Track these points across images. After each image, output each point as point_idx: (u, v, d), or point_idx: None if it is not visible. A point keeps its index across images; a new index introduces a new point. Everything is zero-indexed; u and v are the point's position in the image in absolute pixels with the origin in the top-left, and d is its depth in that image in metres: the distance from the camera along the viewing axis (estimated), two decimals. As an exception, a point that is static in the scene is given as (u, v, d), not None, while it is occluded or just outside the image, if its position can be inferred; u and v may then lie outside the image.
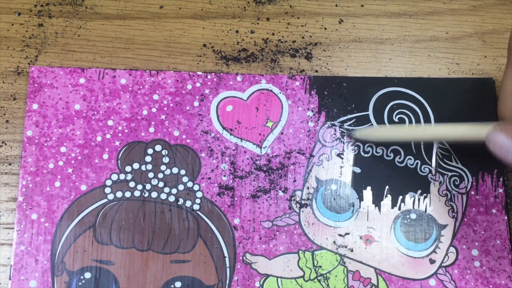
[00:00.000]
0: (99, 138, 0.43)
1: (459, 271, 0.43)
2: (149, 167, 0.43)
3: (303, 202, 0.44)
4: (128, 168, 0.43)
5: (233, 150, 0.44)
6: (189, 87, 0.45)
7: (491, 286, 0.43)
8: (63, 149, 0.43)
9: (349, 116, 0.45)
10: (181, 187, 0.43)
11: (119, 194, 0.43)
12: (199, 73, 0.45)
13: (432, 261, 0.43)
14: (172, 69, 0.46)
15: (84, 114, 0.44)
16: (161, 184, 0.43)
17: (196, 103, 0.45)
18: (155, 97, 0.45)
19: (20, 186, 0.42)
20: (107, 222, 0.42)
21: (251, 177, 0.44)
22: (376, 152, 0.45)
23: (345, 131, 0.45)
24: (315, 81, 0.46)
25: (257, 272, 0.42)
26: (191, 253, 0.42)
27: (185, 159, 0.44)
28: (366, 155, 0.45)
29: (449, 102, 0.46)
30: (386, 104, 0.46)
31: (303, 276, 0.42)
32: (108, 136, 0.44)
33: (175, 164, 0.43)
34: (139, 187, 0.43)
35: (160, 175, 0.43)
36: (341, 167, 0.44)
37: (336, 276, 0.42)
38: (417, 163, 0.45)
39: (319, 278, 0.42)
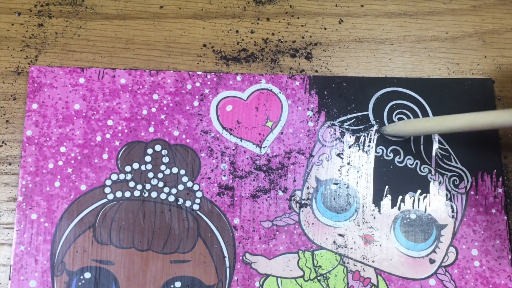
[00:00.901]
0: (98, 138, 0.43)
1: (458, 271, 0.43)
2: (149, 167, 0.43)
3: (303, 202, 0.44)
4: (128, 168, 0.43)
5: (233, 150, 0.44)
6: (189, 87, 0.45)
7: (490, 286, 0.43)
8: (62, 149, 0.43)
9: (349, 116, 0.45)
10: (181, 187, 0.43)
11: (119, 194, 0.43)
12: (199, 73, 0.45)
13: (432, 261, 0.43)
14: (172, 69, 0.46)
15: (84, 114, 0.44)
16: (161, 184, 0.43)
17: (196, 103, 0.45)
18: (155, 97, 0.45)
19: (20, 186, 0.42)
20: (107, 222, 0.42)
21: (251, 177, 0.44)
22: (376, 152, 0.45)
23: (345, 130, 0.45)
24: (315, 81, 0.46)
25: (257, 272, 0.42)
26: (191, 253, 0.42)
27: (185, 159, 0.44)
28: (365, 155, 0.45)
29: (449, 102, 0.46)
30: (386, 104, 0.46)
31: (303, 276, 0.42)
32: (107, 136, 0.44)
33: (175, 164, 0.43)
34: (139, 187, 0.43)
35: (160, 175, 0.43)
36: (341, 166, 0.44)
37: (336, 276, 0.42)
38: (417, 163, 0.45)
39: (319, 278, 0.42)
